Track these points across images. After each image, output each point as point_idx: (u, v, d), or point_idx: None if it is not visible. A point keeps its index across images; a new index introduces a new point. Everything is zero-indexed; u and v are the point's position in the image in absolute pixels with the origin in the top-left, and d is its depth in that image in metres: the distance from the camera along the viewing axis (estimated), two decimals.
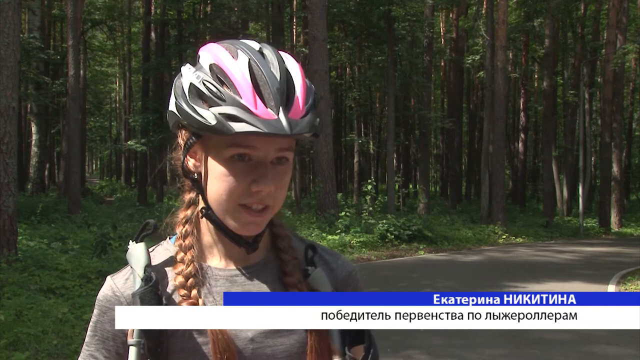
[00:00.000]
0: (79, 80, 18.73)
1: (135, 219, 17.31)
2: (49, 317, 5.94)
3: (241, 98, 0.89)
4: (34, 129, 21.96)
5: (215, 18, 21.72)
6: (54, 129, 27.18)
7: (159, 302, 0.92)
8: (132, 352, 0.91)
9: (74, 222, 14.64)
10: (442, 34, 32.49)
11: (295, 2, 25.94)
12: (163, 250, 1.03)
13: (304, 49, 22.42)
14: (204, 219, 1.00)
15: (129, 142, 25.76)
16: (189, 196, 1.03)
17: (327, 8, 17.53)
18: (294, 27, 27.43)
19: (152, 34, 25.42)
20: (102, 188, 36.97)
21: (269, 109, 0.89)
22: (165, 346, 0.93)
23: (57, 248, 10.00)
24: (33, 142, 21.93)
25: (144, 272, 0.95)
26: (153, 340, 0.92)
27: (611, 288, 9.84)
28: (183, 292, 0.96)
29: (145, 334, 0.91)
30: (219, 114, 0.89)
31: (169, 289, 0.98)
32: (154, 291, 0.93)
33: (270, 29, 23.24)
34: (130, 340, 0.92)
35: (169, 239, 1.05)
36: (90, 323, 1.01)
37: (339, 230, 14.95)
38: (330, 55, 25.34)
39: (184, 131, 0.99)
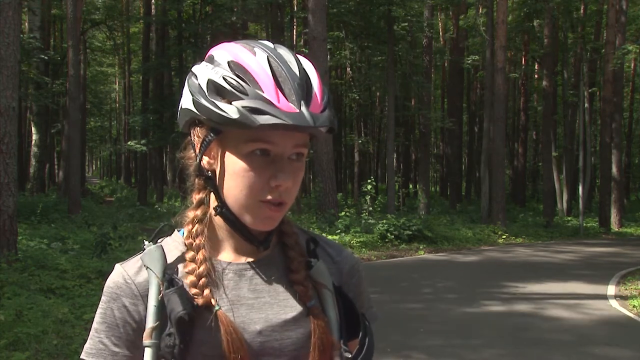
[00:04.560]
0: (79, 80, 18.73)
1: (136, 219, 17.31)
2: (49, 317, 5.93)
3: (263, 92, 0.91)
4: (34, 129, 21.97)
5: (215, 19, 21.72)
6: (54, 129, 27.19)
7: (191, 302, 0.94)
8: (148, 353, 0.92)
9: (74, 222, 14.63)
10: (441, 33, 32.51)
11: (295, 2, 25.95)
12: (172, 242, 1.04)
13: (304, 49, 22.43)
14: (216, 217, 1.01)
15: (129, 143, 25.77)
16: (198, 196, 1.03)
17: (327, 8, 17.54)
18: (294, 27, 27.44)
19: (152, 34, 25.43)
20: (102, 188, 36.99)
21: (290, 103, 0.91)
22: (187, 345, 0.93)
23: (57, 248, 9.99)
24: (33, 142, 21.94)
25: (164, 275, 0.96)
26: (181, 341, 0.92)
27: (611, 288, 9.83)
28: (195, 290, 0.96)
29: (169, 335, 0.92)
30: (242, 107, 0.90)
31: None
32: (185, 290, 0.95)
33: (269, 30, 23.25)
34: (146, 342, 0.92)
35: (178, 231, 1.05)
36: (99, 309, 1.00)
37: (339, 230, 14.96)
38: (330, 55, 25.34)
39: (198, 129, 0.99)
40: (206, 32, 22.92)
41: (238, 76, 0.93)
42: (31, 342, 5.26)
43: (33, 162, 22.00)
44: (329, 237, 14.17)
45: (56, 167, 31.61)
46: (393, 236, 15.04)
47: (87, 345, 1.00)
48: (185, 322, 0.92)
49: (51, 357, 5.12)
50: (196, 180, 1.03)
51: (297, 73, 0.94)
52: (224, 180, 0.97)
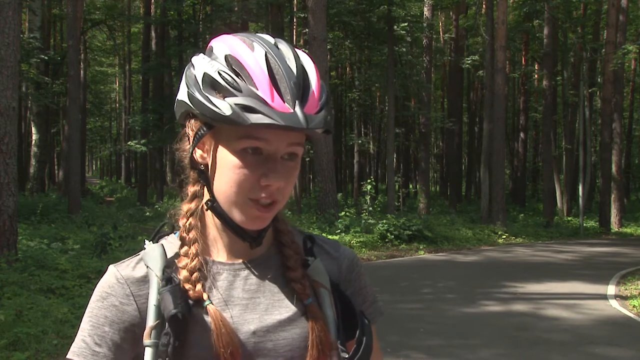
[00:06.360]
0: (79, 80, 18.73)
1: (135, 219, 17.30)
2: (49, 317, 5.94)
3: (258, 90, 0.89)
4: (34, 129, 21.94)
5: (215, 18, 21.72)
6: (54, 129, 27.16)
7: (185, 300, 0.93)
8: (148, 353, 0.91)
9: (74, 222, 14.62)
10: (441, 33, 32.50)
11: (295, 2, 25.96)
12: (167, 244, 1.02)
13: (304, 49, 22.42)
14: (208, 211, 1.00)
15: (129, 143, 25.75)
16: (193, 189, 1.02)
17: (327, 8, 17.53)
18: (294, 27, 27.44)
19: (152, 34, 25.43)
20: (102, 188, 36.97)
21: (285, 103, 0.89)
22: (183, 345, 0.93)
23: (57, 248, 9.98)
24: (33, 142, 21.91)
25: (163, 273, 0.95)
26: (176, 339, 0.91)
27: (611, 288, 9.83)
28: (188, 285, 0.95)
29: (166, 334, 0.91)
30: (235, 104, 0.88)
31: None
32: (181, 289, 0.94)
33: (269, 30, 23.24)
34: (146, 342, 0.91)
35: (174, 233, 1.04)
36: (87, 309, 0.99)
37: (339, 230, 14.96)
38: (330, 55, 25.33)
39: (193, 121, 0.97)
40: (206, 32, 22.91)
41: (234, 71, 0.91)
42: (31, 342, 5.26)
43: (33, 162, 21.98)
44: (329, 237, 14.14)
45: (56, 167, 31.61)
46: (393, 236, 15.04)
47: (73, 344, 0.99)
48: (178, 321, 0.91)
49: (51, 357, 5.12)
50: (191, 172, 1.02)
51: (295, 71, 0.92)
52: (215, 174, 0.96)
